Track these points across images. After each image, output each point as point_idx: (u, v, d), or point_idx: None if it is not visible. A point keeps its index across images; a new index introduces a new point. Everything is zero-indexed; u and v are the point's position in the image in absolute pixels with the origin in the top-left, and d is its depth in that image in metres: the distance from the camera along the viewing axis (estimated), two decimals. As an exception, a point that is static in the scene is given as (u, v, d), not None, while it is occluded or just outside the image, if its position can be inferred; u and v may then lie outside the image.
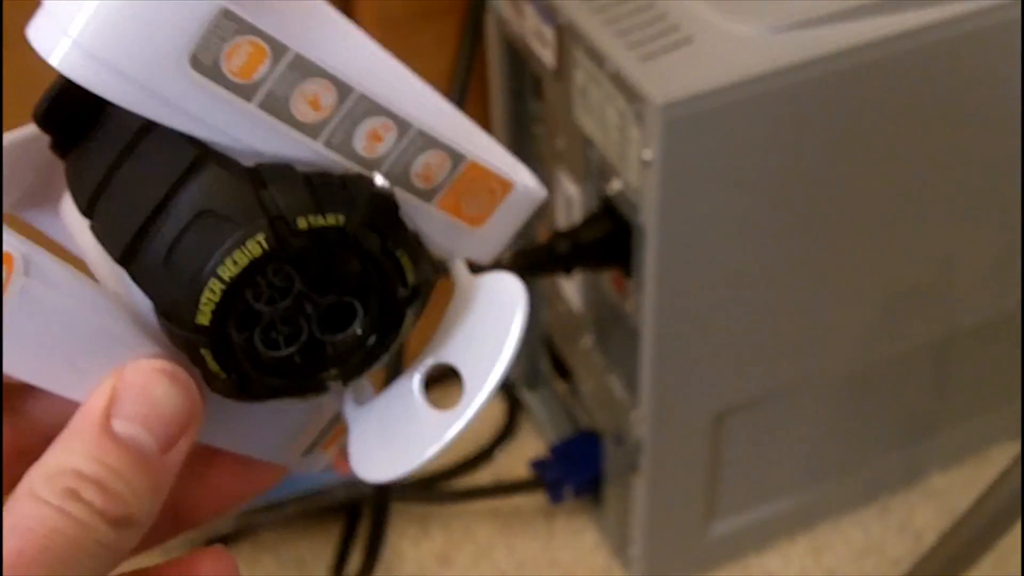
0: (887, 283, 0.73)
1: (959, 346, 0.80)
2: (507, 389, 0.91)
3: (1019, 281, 0.77)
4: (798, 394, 0.76)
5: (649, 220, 0.63)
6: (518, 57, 0.74)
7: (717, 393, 0.72)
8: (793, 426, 0.78)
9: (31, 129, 0.31)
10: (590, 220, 0.67)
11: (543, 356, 0.88)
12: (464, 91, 0.69)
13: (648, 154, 0.60)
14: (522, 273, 0.67)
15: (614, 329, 0.73)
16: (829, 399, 0.78)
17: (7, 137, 0.32)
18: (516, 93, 0.76)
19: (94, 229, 0.30)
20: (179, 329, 0.29)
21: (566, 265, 0.67)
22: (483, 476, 0.88)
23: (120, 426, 0.28)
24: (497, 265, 0.68)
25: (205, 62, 0.28)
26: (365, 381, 0.34)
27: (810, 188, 0.65)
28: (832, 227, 0.68)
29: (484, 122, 0.80)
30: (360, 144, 0.31)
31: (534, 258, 0.66)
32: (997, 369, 0.83)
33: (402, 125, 0.31)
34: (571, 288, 0.78)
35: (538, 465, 0.83)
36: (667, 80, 0.59)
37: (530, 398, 0.91)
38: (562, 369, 0.84)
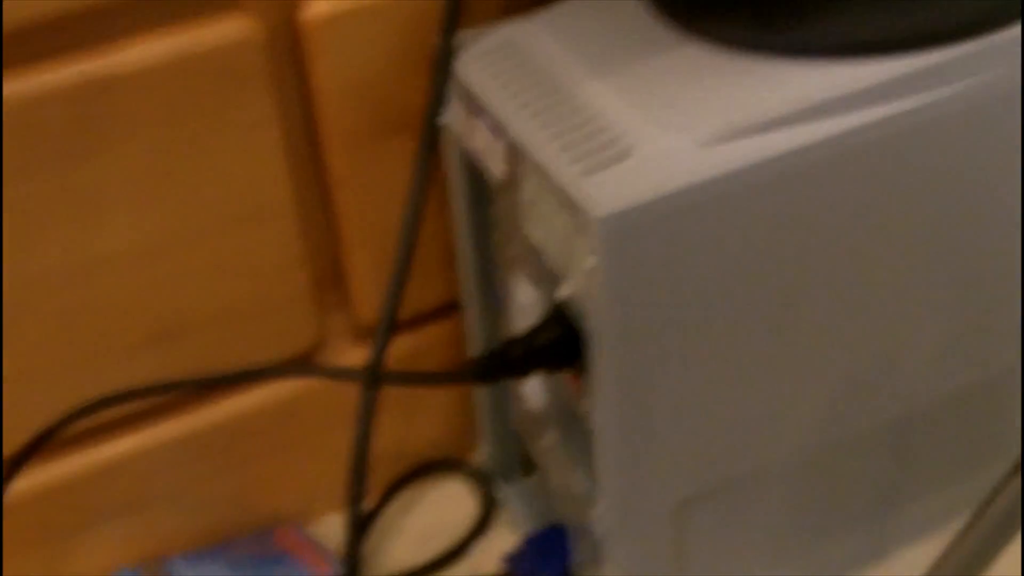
0: (839, 368, 0.76)
1: (916, 423, 0.82)
2: (482, 482, 0.94)
3: (968, 361, 0.80)
4: (759, 479, 0.79)
5: (596, 324, 0.66)
6: (474, 169, 0.77)
7: (677, 484, 0.75)
8: (756, 510, 0.80)
9: None
10: (542, 325, 0.70)
11: (516, 450, 0.91)
12: (420, 203, 0.72)
13: (591, 263, 0.63)
14: (479, 380, 0.71)
15: (573, 427, 0.76)
16: (790, 481, 0.80)
17: None
18: (475, 202, 0.79)
19: None
20: None
21: (521, 370, 0.70)
22: (459, 570, 0.90)
23: None
24: (455, 372, 0.71)
25: None
26: None
27: (757, 285, 0.69)
28: (782, 319, 0.71)
29: (446, 230, 0.84)
30: None
31: (490, 365, 0.69)
32: (956, 443, 0.85)
33: None
34: (533, 387, 0.81)
35: (510, 558, 0.86)
36: (608, 193, 0.63)
37: (505, 491, 0.93)
38: (531, 464, 0.87)
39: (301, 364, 0.83)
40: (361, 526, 0.92)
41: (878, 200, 0.69)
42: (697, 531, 0.78)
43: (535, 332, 0.70)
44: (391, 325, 0.72)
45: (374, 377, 0.68)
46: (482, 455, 0.95)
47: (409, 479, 0.96)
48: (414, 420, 0.94)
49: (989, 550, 0.62)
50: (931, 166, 0.70)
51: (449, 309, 0.89)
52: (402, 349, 0.89)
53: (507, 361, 0.70)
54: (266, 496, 0.91)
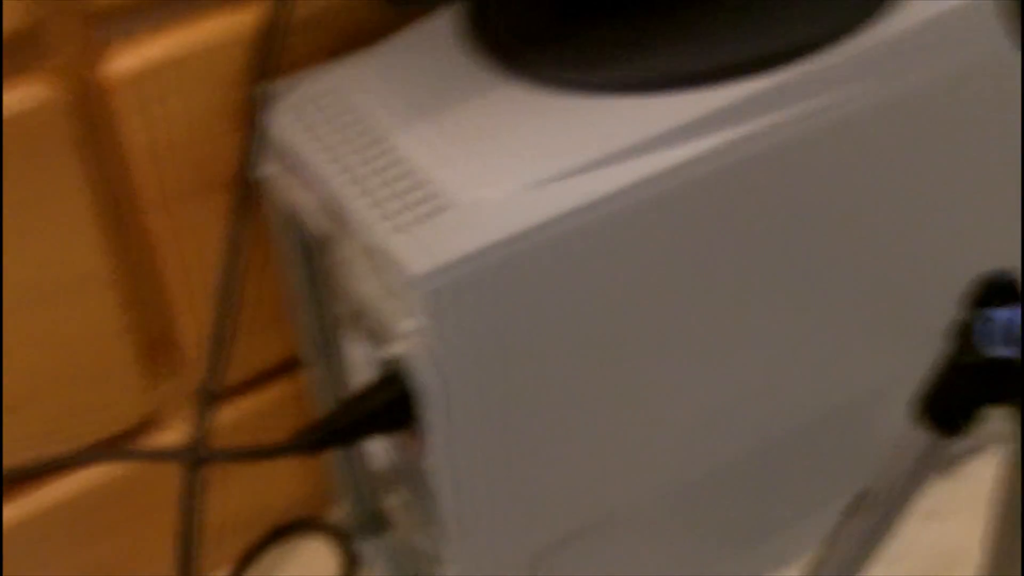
0: (690, 407, 0.74)
1: (773, 454, 0.81)
2: (343, 541, 0.91)
3: (820, 391, 0.79)
4: (619, 522, 0.77)
5: (425, 383, 0.63)
6: (300, 223, 0.74)
7: (529, 535, 0.73)
8: (621, 552, 0.78)
9: None
10: (373, 387, 0.67)
11: (374, 506, 0.88)
12: (235, 263, 0.69)
13: (412, 323, 0.61)
14: (309, 451, 0.67)
15: (419, 485, 0.73)
16: (652, 521, 0.79)
17: None
18: (305, 258, 0.76)
19: None
20: None
21: (352, 437, 0.67)
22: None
23: None
24: (283, 446, 0.67)
25: None
26: None
27: (592, 330, 0.66)
28: (623, 363, 0.69)
29: (274, 290, 0.81)
30: None
31: (318, 435, 0.66)
32: (815, 471, 0.84)
33: None
34: (377, 446, 0.78)
35: (370, 620, 0.83)
36: (423, 250, 0.60)
37: (367, 548, 0.90)
38: (386, 522, 0.84)
39: (116, 448, 0.79)
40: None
41: (713, 233, 0.68)
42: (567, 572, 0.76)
43: (365, 396, 0.67)
44: (212, 400, 0.68)
45: (194, 458, 0.65)
46: (341, 512, 0.92)
47: (268, 542, 0.92)
48: (268, 482, 0.90)
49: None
50: (767, 193, 0.68)
51: (295, 366, 0.86)
52: (246, 410, 0.85)
53: (337, 429, 0.67)
54: (118, 573, 0.87)
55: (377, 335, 0.68)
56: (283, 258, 0.77)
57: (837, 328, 0.77)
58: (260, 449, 0.65)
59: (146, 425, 0.83)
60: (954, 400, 0.51)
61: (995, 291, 0.52)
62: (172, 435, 0.83)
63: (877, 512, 0.55)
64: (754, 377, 0.75)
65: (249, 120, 0.69)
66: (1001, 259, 0.54)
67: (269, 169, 0.72)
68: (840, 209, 0.71)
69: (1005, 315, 0.50)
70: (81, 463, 0.75)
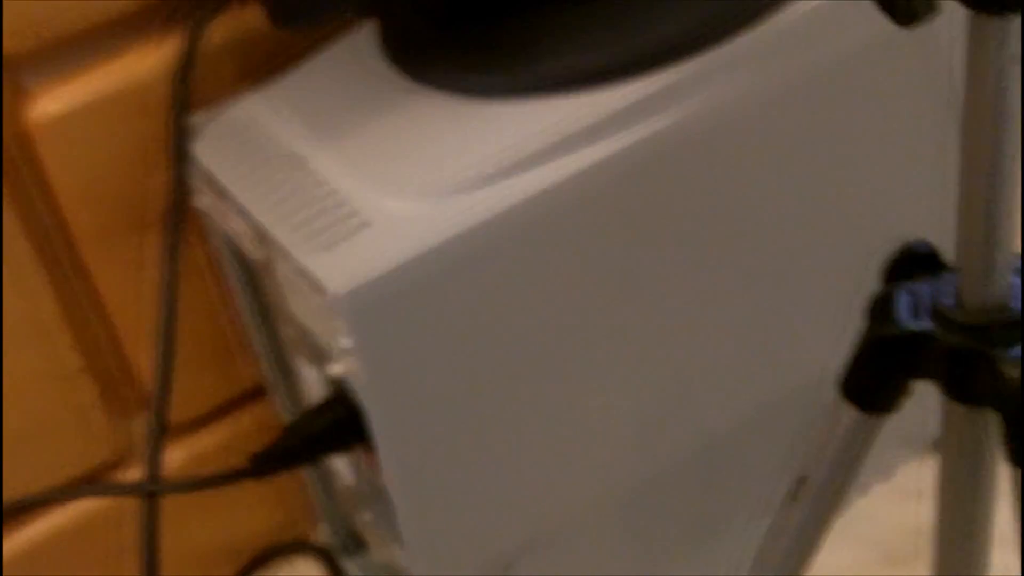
0: (632, 409, 0.73)
1: (719, 451, 0.80)
2: (327, 560, 0.91)
3: (759, 384, 0.77)
4: (574, 523, 0.76)
5: (365, 400, 0.63)
6: (237, 252, 0.74)
7: (488, 541, 0.72)
8: (577, 553, 0.78)
9: None
10: (319, 408, 0.67)
11: (353, 524, 0.88)
12: (173, 294, 0.68)
13: (345, 342, 0.60)
14: (263, 475, 0.67)
15: (381, 501, 0.73)
16: (606, 522, 0.78)
17: None
18: (247, 287, 0.76)
19: None
20: None
21: (304, 458, 0.67)
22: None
23: None
24: (237, 471, 0.67)
25: None
26: None
27: (524, 337, 0.66)
28: (559, 369, 0.68)
29: (221, 317, 0.80)
30: None
31: (270, 459, 0.66)
32: (763, 467, 0.83)
33: None
34: (342, 465, 0.77)
35: (355, 639, 0.83)
36: (348, 268, 0.60)
37: (351, 566, 0.90)
38: (359, 540, 0.84)
39: (72, 488, 0.79)
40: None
41: (629, 229, 0.67)
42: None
43: (314, 416, 0.67)
44: (162, 433, 0.68)
45: (148, 491, 0.65)
46: (323, 531, 0.92)
47: (256, 566, 0.92)
48: (247, 507, 0.90)
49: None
50: (687, 185, 0.67)
51: (262, 393, 0.86)
52: (218, 439, 0.85)
53: (290, 451, 0.67)
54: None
55: (319, 356, 0.68)
56: (230, 285, 0.77)
57: (768, 316, 0.76)
58: (213, 477, 0.65)
59: (117, 463, 0.83)
60: (875, 376, 0.50)
61: (912, 262, 0.51)
62: (141, 471, 0.84)
63: (816, 496, 0.54)
64: (689, 372, 0.74)
65: (174, 153, 0.69)
66: (923, 232, 0.53)
67: (203, 200, 0.71)
68: (752, 195, 0.70)
69: (919, 287, 0.49)
70: (39, 504, 0.75)
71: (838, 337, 0.53)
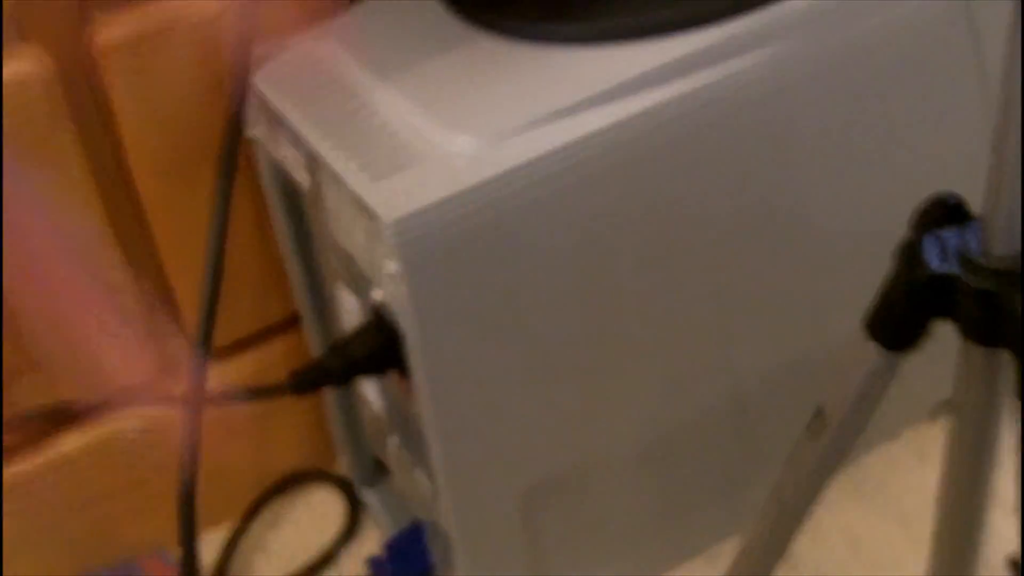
0: (669, 354, 0.76)
1: (751, 402, 0.83)
2: (346, 489, 0.94)
3: (793, 340, 0.80)
4: (604, 466, 0.79)
5: (407, 326, 0.66)
6: (287, 180, 0.77)
7: (517, 474, 0.75)
8: (606, 497, 0.81)
9: None
10: (360, 331, 0.70)
11: (373, 454, 0.91)
12: (225, 222, 0.72)
13: (392, 267, 0.64)
14: (301, 391, 0.70)
15: (410, 428, 0.76)
16: (636, 467, 0.81)
17: None
18: (293, 213, 0.79)
19: None
20: None
21: (341, 378, 0.70)
22: (328, 579, 0.90)
23: None
24: (275, 387, 0.70)
25: None
26: None
27: (567, 275, 0.69)
28: (599, 310, 0.71)
29: (267, 244, 0.84)
30: None
31: (309, 376, 0.69)
32: (792, 420, 0.86)
33: None
34: (372, 391, 0.81)
35: (373, 563, 0.86)
36: (400, 196, 0.63)
37: (369, 496, 0.93)
38: (383, 467, 0.87)
39: (120, 396, 0.82)
40: (229, 545, 0.92)
41: (686, 179, 0.70)
42: (550, 519, 0.79)
43: (354, 339, 0.70)
44: (207, 346, 0.71)
45: (194, 401, 0.68)
46: (343, 463, 0.95)
47: (275, 492, 0.95)
48: (272, 436, 0.93)
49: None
50: (736, 140, 0.71)
51: (296, 322, 0.89)
52: (250, 365, 0.88)
53: (328, 371, 0.70)
54: (125, 527, 0.90)
55: (362, 282, 0.71)
56: (273, 215, 0.80)
57: (803, 273, 0.79)
58: (255, 389, 0.68)
59: (150, 383, 0.86)
60: (900, 316, 0.53)
61: (941, 212, 0.54)
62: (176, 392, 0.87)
63: (834, 430, 0.57)
64: (726, 322, 0.78)
65: (235, 84, 0.72)
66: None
67: (256, 129, 0.74)
68: (798, 152, 0.74)
69: (946, 234, 0.52)
70: (86, 412, 0.78)
71: (869, 298, 0.56)
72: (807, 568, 0.86)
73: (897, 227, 0.56)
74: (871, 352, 0.55)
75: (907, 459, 0.91)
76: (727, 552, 0.87)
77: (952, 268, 0.52)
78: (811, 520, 0.67)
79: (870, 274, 0.57)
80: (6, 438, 0.82)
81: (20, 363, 0.79)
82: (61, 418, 0.79)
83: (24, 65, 0.70)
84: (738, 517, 0.89)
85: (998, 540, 0.72)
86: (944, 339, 0.58)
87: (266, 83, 0.72)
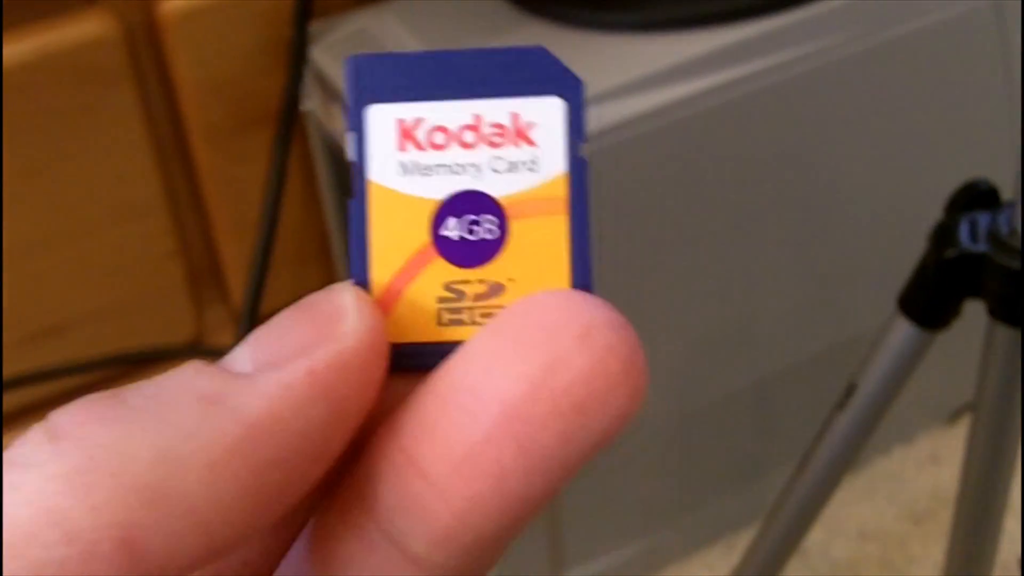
0: (695, 334, 0.79)
1: (773, 389, 0.85)
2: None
3: (820, 327, 0.83)
4: (626, 442, 0.81)
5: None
6: (339, 154, 0.80)
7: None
8: (627, 474, 0.83)
9: None
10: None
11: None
12: (279, 193, 0.74)
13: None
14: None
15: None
16: (658, 444, 0.83)
17: None
18: (343, 188, 0.82)
19: None
20: None
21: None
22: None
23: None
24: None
25: None
26: None
27: (606, 251, 0.71)
28: (631, 287, 0.74)
29: (317, 220, 0.86)
30: None
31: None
32: (814, 407, 0.88)
33: None
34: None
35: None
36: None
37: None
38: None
39: (191, 348, 0.85)
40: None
41: (718, 164, 0.73)
42: (570, 494, 0.81)
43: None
44: (254, 313, 0.74)
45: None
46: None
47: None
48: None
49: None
50: (766, 132, 0.73)
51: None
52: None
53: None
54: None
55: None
56: (324, 189, 0.82)
57: (835, 261, 0.82)
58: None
59: (190, 352, 0.88)
60: (932, 293, 0.56)
61: (974, 197, 0.57)
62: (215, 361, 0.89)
63: (864, 406, 0.60)
64: (755, 305, 0.80)
65: (293, 57, 0.75)
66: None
67: (311, 102, 0.77)
68: (838, 140, 0.76)
69: (979, 216, 0.55)
70: (157, 360, 0.80)
71: (896, 287, 0.59)
72: (820, 564, 0.88)
73: (926, 214, 0.59)
74: (902, 327, 0.57)
75: (923, 461, 0.93)
76: (743, 542, 0.89)
77: (982, 248, 0.54)
78: (825, 516, 0.69)
79: (898, 262, 0.59)
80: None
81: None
82: (108, 367, 0.82)
83: (91, 27, 0.73)
84: (756, 507, 0.91)
85: (1009, 540, 0.75)
86: (964, 343, 0.60)
87: (323, 58, 0.74)
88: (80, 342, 0.82)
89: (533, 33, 0.72)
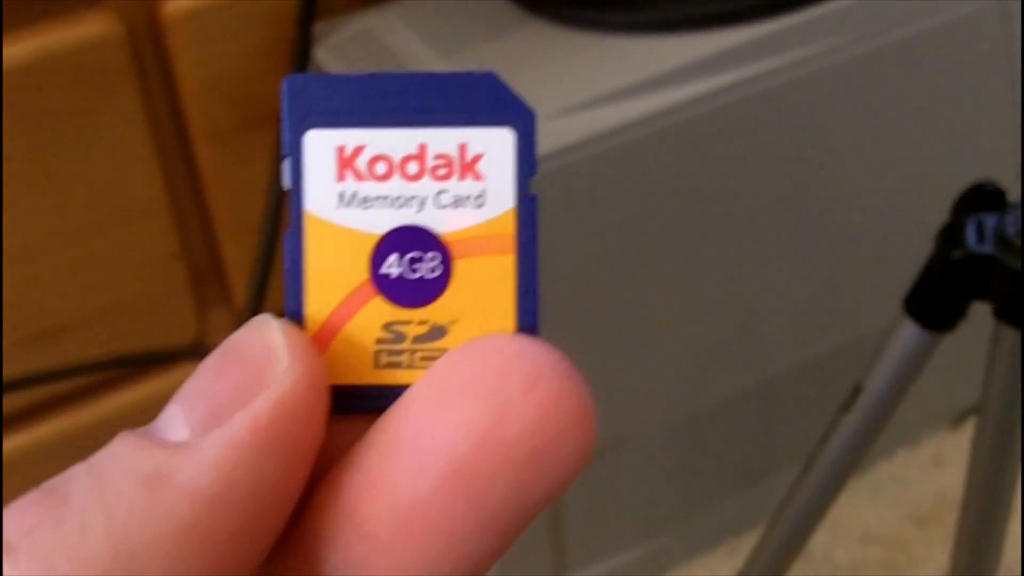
0: (699, 336, 0.79)
1: (777, 391, 0.85)
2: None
3: (823, 329, 0.83)
4: (629, 445, 0.81)
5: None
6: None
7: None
8: (630, 476, 0.83)
9: None
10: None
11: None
12: (282, 194, 0.74)
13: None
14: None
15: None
16: (661, 447, 0.83)
17: None
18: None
19: None
20: None
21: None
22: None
23: None
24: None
25: None
26: None
27: (604, 254, 0.71)
28: (635, 289, 0.74)
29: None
30: None
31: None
32: (818, 409, 0.88)
33: None
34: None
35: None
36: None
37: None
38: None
39: (193, 349, 0.85)
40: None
41: (723, 165, 0.72)
42: (572, 499, 0.81)
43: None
44: (257, 315, 0.73)
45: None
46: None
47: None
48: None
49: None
50: (771, 133, 0.73)
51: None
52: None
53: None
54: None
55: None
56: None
57: (838, 262, 0.81)
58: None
59: (192, 353, 0.88)
60: (938, 295, 0.56)
61: (980, 197, 0.56)
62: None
63: (869, 408, 0.59)
64: (756, 307, 0.80)
65: (296, 58, 0.75)
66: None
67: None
68: (838, 142, 0.76)
69: (986, 217, 0.55)
70: (161, 361, 0.80)
71: (899, 290, 0.58)
72: (824, 567, 0.87)
73: (932, 216, 0.59)
74: (908, 329, 0.57)
75: (927, 464, 0.93)
76: (747, 545, 0.89)
77: (989, 249, 0.54)
78: (828, 519, 0.69)
79: (904, 264, 0.59)
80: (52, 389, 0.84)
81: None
82: (117, 367, 0.82)
83: (93, 28, 0.73)
84: (759, 511, 0.91)
85: (1013, 543, 0.74)
86: (967, 346, 0.60)
87: (327, 58, 0.74)
88: (81, 343, 0.82)
89: (536, 34, 0.71)
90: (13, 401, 0.81)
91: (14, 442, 0.84)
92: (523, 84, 0.74)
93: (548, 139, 0.66)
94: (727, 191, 0.74)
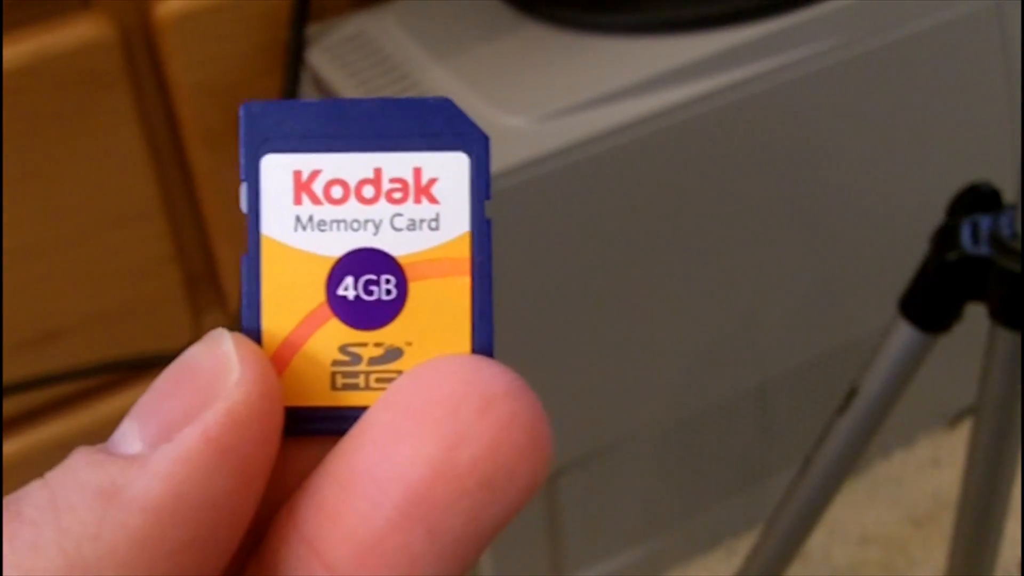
0: (696, 338, 0.79)
1: (775, 393, 0.85)
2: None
3: (821, 331, 0.83)
4: (626, 447, 0.81)
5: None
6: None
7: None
8: (628, 478, 0.83)
9: None
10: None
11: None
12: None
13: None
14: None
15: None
16: (658, 449, 0.83)
17: None
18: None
19: None
20: None
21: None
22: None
23: None
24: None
25: None
26: None
27: (603, 254, 0.71)
28: (631, 289, 0.74)
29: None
30: None
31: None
32: (815, 411, 0.88)
33: None
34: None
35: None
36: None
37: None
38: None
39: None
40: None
41: (719, 167, 0.72)
42: (570, 501, 0.80)
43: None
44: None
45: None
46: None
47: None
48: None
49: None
50: (766, 135, 0.73)
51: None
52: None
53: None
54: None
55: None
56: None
57: (834, 264, 0.81)
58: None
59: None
60: (933, 296, 0.55)
61: (976, 199, 0.56)
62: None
63: (865, 409, 0.59)
64: (753, 309, 0.80)
65: (290, 60, 0.74)
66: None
67: (307, 106, 0.77)
68: (833, 145, 0.76)
69: (981, 219, 0.55)
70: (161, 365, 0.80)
71: (895, 291, 0.58)
72: (821, 568, 0.87)
73: (927, 217, 0.58)
74: (903, 331, 0.57)
75: (924, 464, 0.93)
76: (744, 546, 0.89)
77: (984, 250, 0.54)
78: (826, 520, 0.69)
79: (899, 265, 0.59)
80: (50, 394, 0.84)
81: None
82: (120, 371, 0.81)
83: (86, 30, 0.72)
84: (757, 512, 0.90)
85: (1010, 544, 0.74)
86: (965, 346, 0.60)
87: (320, 61, 0.74)
88: (76, 347, 0.82)
89: (531, 35, 0.71)
90: (10, 405, 0.81)
91: (12, 446, 0.84)
92: (518, 86, 0.75)
93: (545, 141, 0.66)
94: (722, 193, 0.73)
